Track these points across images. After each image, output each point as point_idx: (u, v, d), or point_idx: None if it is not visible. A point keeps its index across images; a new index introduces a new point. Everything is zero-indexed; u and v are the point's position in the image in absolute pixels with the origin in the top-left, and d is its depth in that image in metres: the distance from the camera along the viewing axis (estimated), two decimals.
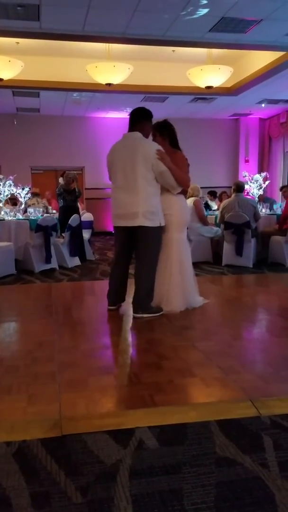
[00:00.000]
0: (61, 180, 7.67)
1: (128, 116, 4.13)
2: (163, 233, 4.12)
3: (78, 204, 8.02)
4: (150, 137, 4.14)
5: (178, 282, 4.18)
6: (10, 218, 6.91)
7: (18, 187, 8.61)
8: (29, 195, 8.71)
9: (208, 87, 8.56)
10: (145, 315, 4.02)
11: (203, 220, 7.31)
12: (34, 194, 9.08)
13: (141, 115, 4.03)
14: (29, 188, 9.04)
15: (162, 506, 1.63)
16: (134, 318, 4.04)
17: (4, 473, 1.83)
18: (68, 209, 7.44)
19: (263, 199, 9.37)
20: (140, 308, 4.04)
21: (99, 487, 1.74)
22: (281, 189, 8.64)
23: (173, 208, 4.14)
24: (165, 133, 4.18)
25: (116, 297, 4.32)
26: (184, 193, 4.34)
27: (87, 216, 8.84)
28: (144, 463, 1.88)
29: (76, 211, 7.55)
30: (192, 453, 1.96)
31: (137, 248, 4.08)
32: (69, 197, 7.56)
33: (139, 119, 4.01)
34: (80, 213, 7.89)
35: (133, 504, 1.64)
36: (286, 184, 10.98)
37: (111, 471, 1.83)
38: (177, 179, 3.99)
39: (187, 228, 6.98)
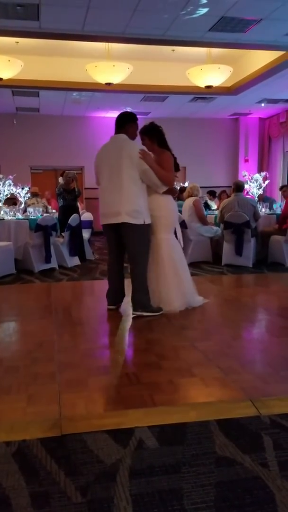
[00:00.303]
0: (60, 179, 7.66)
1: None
2: (151, 234, 4.17)
3: (78, 203, 8.02)
4: (138, 138, 4.23)
5: (175, 282, 4.21)
6: (9, 218, 6.91)
7: (18, 187, 8.61)
8: (28, 195, 8.71)
9: (208, 87, 8.56)
10: (144, 314, 4.04)
11: (203, 220, 7.31)
12: (34, 194, 9.06)
13: (126, 118, 4.14)
14: (29, 188, 9.05)
15: (162, 506, 1.63)
16: (133, 316, 4.05)
17: (4, 473, 1.83)
18: (68, 209, 7.44)
19: (262, 198, 9.38)
20: (139, 306, 4.08)
21: (99, 487, 1.74)
22: (281, 188, 8.64)
23: (160, 209, 4.19)
24: (153, 135, 4.25)
25: (114, 296, 4.34)
26: (173, 194, 4.35)
27: (86, 216, 8.83)
28: (144, 462, 1.88)
29: (76, 210, 7.55)
30: (192, 452, 1.96)
31: (126, 247, 4.15)
32: (69, 196, 7.56)
33: (124, 122, 4.12)
34: (80, 213, 7.89)
35: (133, 503, 1.64)
36: (286, 183, 10.98)
37: (110, 471, 1.83)
38: (160, 178, 4.04)
39: (186, 228, 7.07)
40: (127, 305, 4.29)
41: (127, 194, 3.96)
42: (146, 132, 4.26)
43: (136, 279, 4.10)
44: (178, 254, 4.35)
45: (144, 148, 4.05)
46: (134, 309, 4.09)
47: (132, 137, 4.12)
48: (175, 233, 4.45)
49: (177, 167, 4.35)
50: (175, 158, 4.28)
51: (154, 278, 4.18)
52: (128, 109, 10.72)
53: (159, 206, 4.18)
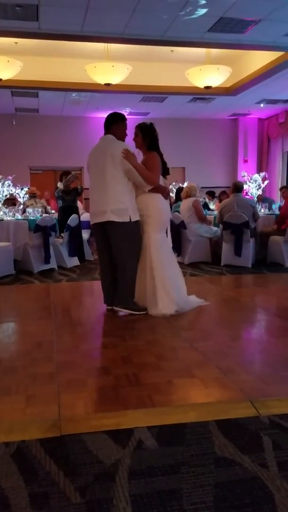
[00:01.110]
0: (59, 184, 7.61)
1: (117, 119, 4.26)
2: (142, 233, 4.22)
3: (78, 203, 7.99)
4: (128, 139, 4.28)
5: (163, 284, 4.15)
6: (9, 218, 6.90)
7: (17, 187, 8.60)
8: (27, 196, 8.69)
9: (207, 87, 8.56)
10: (124, 310, 4.14)
11: (203, 220, 7.32)
12: (32, 196, 9.01)
13: (112, 119, 4.21)
14: (28, 188, 9.03)
15: (161, 506, 1.63)
16: (120, 314, 4.15)
17: (3, 474, 1.83)
18: (67, 209, 7.42)
19: (262, 199, 9.38)
20: (118, 302, 4.18)
21: (98, 487, 1.74)
22: (281, 189, 8.65)
23: (149, 209, 4.21)
24: (147, 136, 4.29)
25: (108, 296, 4.35)
26: (163, 193, 4.31)
27: (86, 216, 8.81)
28: (143, 463, 1.88)
29: (75, 211, 7.54)
30: (191, 453, 1.96)
31: (112, 245, 4.16)
32: (68, 197, 7.54)
33: (110, 123, 4.20)
34: (80, 213, 7.88)
35: (132, 504, 1.64)
36: (286, 184, 10.99)
37: (110, 471, 1.83)
38: (143, 177, 4.07)
39: (185, 229, 7.07)
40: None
41: (112, 193, 4.03)
42: (142, 129, 4.30)
43: (121, 276, 4.17)
44: (168, 255, 4.33)
45: (128, 147, 4.06)
46: (115, 304, 4.20)
47: (120, 137, 4.16)
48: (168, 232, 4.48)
49: (166, 171, 4.36)
50: (164, 163, 4.32)
51: (142, 278, 4.18)
52: (127, 110, 10.79)
53: (147, 205, 4.20)
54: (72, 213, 7.25)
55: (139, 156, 4.27)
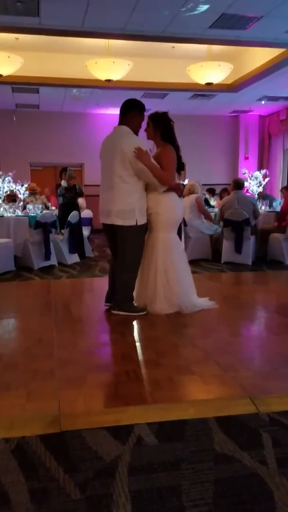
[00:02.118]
0: (63, 182, 7.54)
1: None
2: (150, 232, 4.10)
3: (81, 200, 7.97)
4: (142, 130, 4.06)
5: (163, 284, 4.05)
6: (9, 215, 6.90)
7: (18, 184, 8.60)
8: (27, 192, 8.67)
9: (208, 84, 8.54)
10: (120, 313, 4.04)
11: (206, 215, 7.33)
12: (31, 193, 8.97)
13: (130, 106, 3.93)
14: (28, 184, 9.00)
15: (160, 503, 1.63)
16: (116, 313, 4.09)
17: (3, 469, 1.83)
18: (68, 206, 7.41)
19: (262, 196, 9.37)
20: (116, 305, 4.08)
21: (98, 483, 1.74)
22: (282, 190, 8.63)
23: (159, 207, 4.03)
24: (158, 125, 4.03)
25: (109, 293, 4.27)
26: (177, 191, 4.13)
27: (86, 213, 8.81)
28: (142, 459, 1.89)
29: (76, 207, 7.53)
30: (191, 449, 1.96)
31: (117, 245, 4.05)
32: (69, 194, 7.53)
33: (128, 111, 3.91)
34: (81, 210, 7.87)
35: (132, 500, 1.65)
36: (286, 184, 10.96)
37: (110, 468, 1.83)
38: (156, 178, 3.85)
39: (186, 226, 7.07)
40: None
41: (117, 192, 3.85)
42: (153, 118, 4.04)
43: (117, 278, 4.06)
44: (176, 256, 4.15)
45: (141, 144, 3.79)
46: (112, 307, 4.11)
47: (135, 128, 3.91)
48: (180, 232, 4.32)
49: (181, 166, 4.15)
50: (180, 157, 4.10)
51: (145, 276, 4.12)
52: None
53: (158, 203, 4.02)
54: (72, 210, 7.24)
55: (154, 149, 4.07)
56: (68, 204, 7.48)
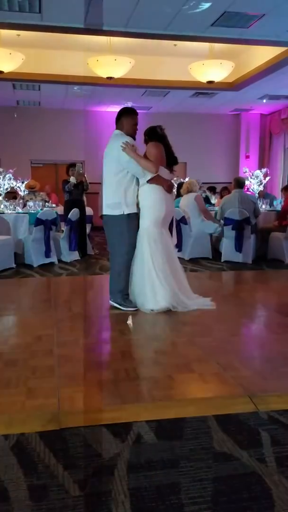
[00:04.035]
0: (72, 179, 7.45)
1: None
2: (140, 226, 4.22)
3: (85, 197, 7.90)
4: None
5: (152, 277, 4.06)
6: (9, 212, 6.89)
7: (18, 181, 8.59)
8: (26, 191, 8.65)
9: (210, 82, 8.52)
10: (115, 304, 4.21)
11: (206, 213, 7.28)
12: (31, 191, 8.94)
13: (120, 113, 4.30)
14: (27, 182, 8.96)
15: (159, 500, 1.64)
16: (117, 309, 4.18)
17: (3, 466, 1.84)
18: (74, 203, 7.35)
19: (263, 195, 9.36)
20: (112, 296, 4.26)
21: (97, 480, 1.75)
22: (282, 190, 8.60)
23: (145, 199, 4.17)
24: (152, 138, 4.30)
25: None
26: (164, 185, 4.19)
27: (88, 211, 8.80)
28: (142, 457, 1.89)
29: (82, 204, 7.49)
30: (190, 447, 1.97)
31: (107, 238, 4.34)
32: (76, 190, 7.45)
33: (119, 118, 4.27)
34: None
35: (130, 497, 1.65)
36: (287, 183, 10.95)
37: (109, 465, 1.84)
38: (141, 166, 4.07)
39: (186, 224, 7.06)
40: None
41: (109, 187, 4.16)
42: (146, 132, 4.37)
43: (111, 269, 4.30)
44: (162, 251, 4.13)
45: (129, 140, 4.07)
46: (110, 298, 4.27)
47: (128, 130, 4.19)
48: (171, 229, 4.42)
49: (172, 161, 4.34)
50: (171, 153, 4.30)
51: (136, 270, 4.16)
52: (129, 104, 10.73)
53: (145, 196, 4.16)
54: (79, 207, 7.21)
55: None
56: (75, 201, 7.41)
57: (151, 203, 4.16)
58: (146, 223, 4.17)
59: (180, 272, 4.31)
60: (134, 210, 4.16)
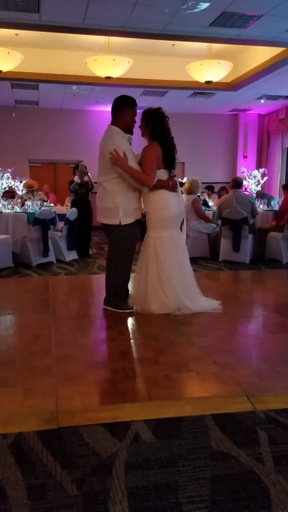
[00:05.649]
0: (76, 178, 7.46)
1: None
2: (147, 232, 4.12)
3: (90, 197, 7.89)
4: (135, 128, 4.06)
5: (154, 283, 4.00)
6: (7, 211, 6.89)
7: (16, 180, 8.57)
8: (24, 190, 8.62)
9: (208, 82, 8.53)
10: (109, 308, 4.14)
11: (204, 218, 7.23)
12: (29, 190, 8.90)
13: (120, 103, 3.90)
14: (25, 181, 8.93)
15: (157, 499, 1.64)
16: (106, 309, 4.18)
17: (0, 465, 1.84)
18: (80, 203, 7.36)
19: (261, 195, 9.37)
20: (106, 300, 4.19)
21: (95, 479, 1.75)
22: (283, 187, 8.57)
23: (148, 206, 4.05)
24: (149, 123, 3.96)
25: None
26: (167, 187, 3.98)
27: None
28: (139, 456, 1.90)
29: (88, 204, 7.49)
30: (188, 446, 1.97)
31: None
32: (81, 190, 7.45)
33: (119, 108, 3.89)
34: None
35: (128, 496, 1.66)
36: (286, 182, 10.95)
37: (106, 464, 1.84)
38: (134, 180, 3.80)
39: (182, 224, 7.01)
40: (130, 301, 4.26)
41: (102, 192, 3.94)
42: (144, 116, 4.00)
43: (106, 275, 4.18)
44: (168, 256, 4.00)
45: (118, 147, 3.72)
46: (104, 302, 4.22)
47: (128, 125, 3.89)
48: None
49: (168, 164, 4.00)
50: (171, 154, 3.99)
51: (138, 274, 4.15)
52: None
53: (147, 203, 4.03)
54: (85, 206, 7.20)
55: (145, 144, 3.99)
56: (80, 200, 7.42)
57: (152, 209, 4.03)
58: (151, 229, 4.06)
59: (188, 275, 4.17)
60: (131, 220, 3.94)
